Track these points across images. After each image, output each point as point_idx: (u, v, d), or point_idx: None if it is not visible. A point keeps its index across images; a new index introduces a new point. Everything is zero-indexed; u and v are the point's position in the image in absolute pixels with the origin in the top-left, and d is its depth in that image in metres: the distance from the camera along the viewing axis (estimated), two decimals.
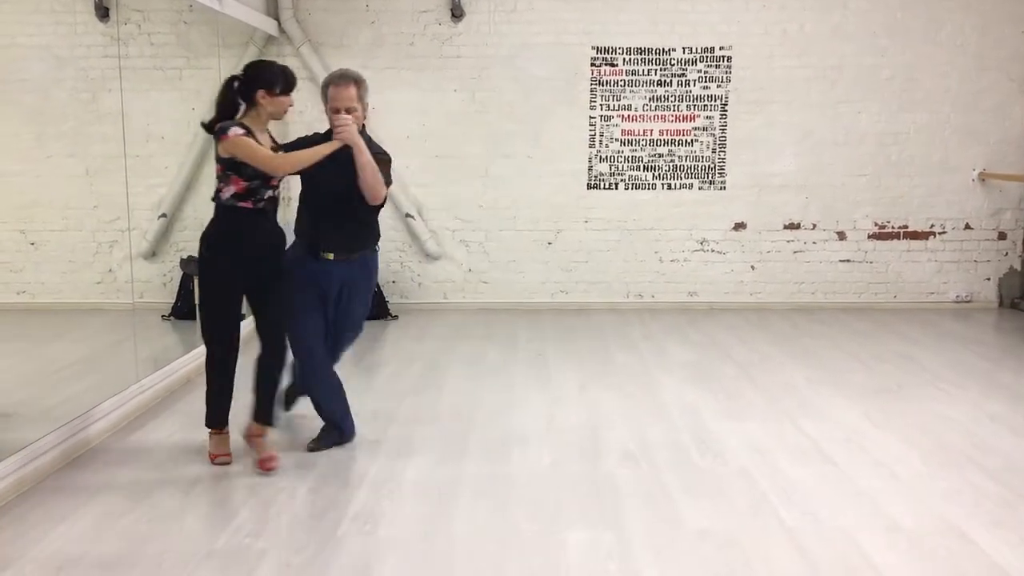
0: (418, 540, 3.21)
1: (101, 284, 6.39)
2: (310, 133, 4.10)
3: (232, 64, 6.91)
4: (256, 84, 3.79)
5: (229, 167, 3.75)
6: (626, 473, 3.86)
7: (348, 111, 3.84)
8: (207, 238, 3.88)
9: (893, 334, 6.63)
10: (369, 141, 3.93)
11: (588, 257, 7.58)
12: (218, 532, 3.27)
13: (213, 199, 3.87)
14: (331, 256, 4.00)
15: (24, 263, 6.14)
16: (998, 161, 7.50)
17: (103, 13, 6.10)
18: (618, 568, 3.00)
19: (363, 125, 3.98)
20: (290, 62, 7.29)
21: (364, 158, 3.77)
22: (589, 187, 7.50)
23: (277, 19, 7.14)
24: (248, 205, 3.80)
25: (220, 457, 3.99)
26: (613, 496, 3.61)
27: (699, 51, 7.31)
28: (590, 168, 7.47)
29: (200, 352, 5.54)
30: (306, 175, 3.94)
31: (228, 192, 3.78)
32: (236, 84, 3.82)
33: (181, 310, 6.64)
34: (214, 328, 3.95)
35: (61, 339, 5.97)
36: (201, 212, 6.93)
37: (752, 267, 7.61)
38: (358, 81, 3.92)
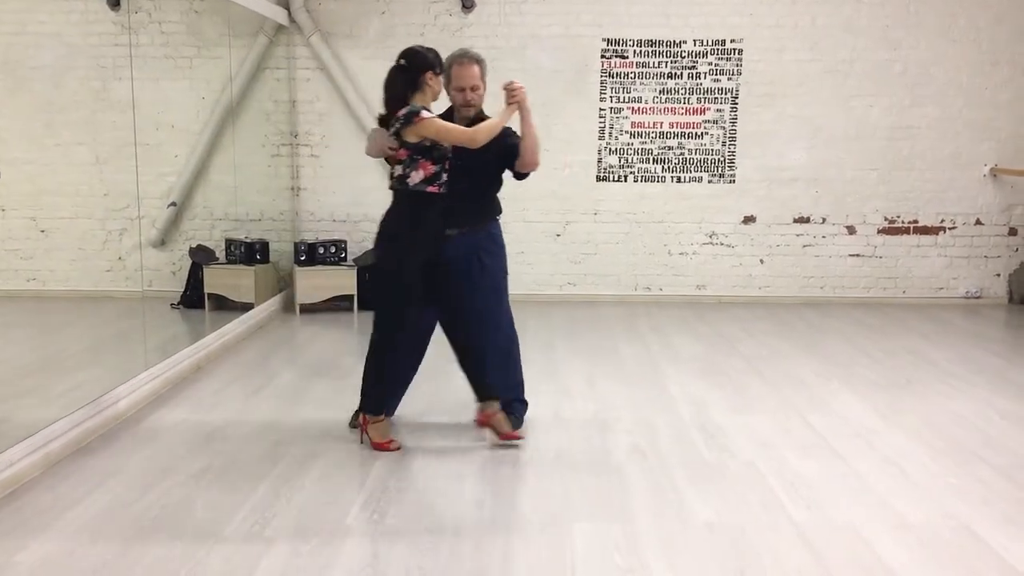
0: (425, 530, 3.22)
1: (111, 272, 6.42)
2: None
3: (242, 53, 6.91)
4: (423, 67, 3.80)
5: (418, 151, 3.76)
6: (633, 465, 3.86)
7: (473, 89, 3.95)
8: (391, 227, 3.86)
9: (902, 329, 6.61)
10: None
11: (597, 249, 7.57)
12: (227, 520, 3.28)
13: (395, 186, 3.86)
14: (455, 232, 4.02)
15: (34, 250, 6.17)
16: (1010, 156, 7.46)
17: (114, 2, 6.11)
18: (624, 560, 3.00)
19: (481, 107, 4.07)
20: (300, 52, 7.31)
21: (531, 127, 3.92)
22: (598, 179, 7.48)
23: (287, 8, 7.13)
24: (435, 190, 3.83)
25: (394, 442, 4.01)
26: (620, 488, 3.61)
27: (710, 44, 7.29)
28: (599, 160, 7.46)
29: (205, 343, 5.56)
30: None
31: (417, 177, 3.78)
32: (400, 72, 3.81)
33: (190, 299, 6.67)
34: (398, 321, 3.92)
35: (71, 327, 6.00)
36: (211, 201, 6.97)
37: (761, 261, 7.59)
38: (479, 61, 4.02)
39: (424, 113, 3.71)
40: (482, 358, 4.12)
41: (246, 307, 6.56)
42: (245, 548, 3.07)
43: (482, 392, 4.13)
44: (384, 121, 3.85)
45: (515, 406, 4.29)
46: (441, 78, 3.90)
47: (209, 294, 6.64)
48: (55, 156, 6.19)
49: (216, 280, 6.67)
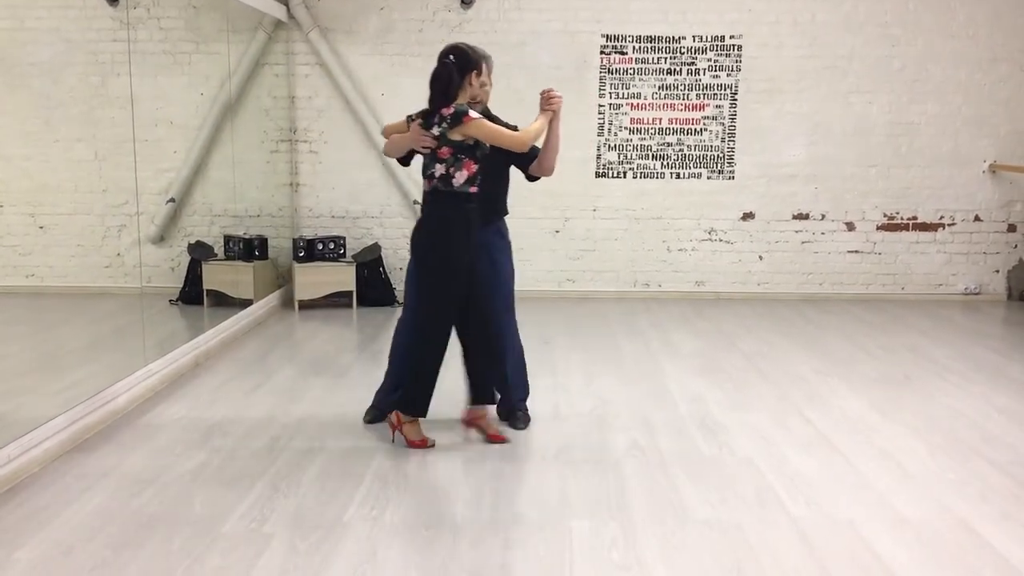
0: (423, 526, 3.22)
1: (109, 268, 6.42)
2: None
3: (241, 49, 6.90)
4: (470, 67, 3.81)
5: (462, 151, 3.76)
6: (631, 462, 3.86)
7: (480, 85, 3.95)
8: (440, 227, 3.85)
9: (901, 325, 6.62)
10: (499, 119, 4.00)
11: (595, 246, 7.57)
12: (226, 516, 3.29)
13: (438, 187, 3.82)
14: None
15: (33, 246, 6.16)
16: (1009, 153, 7.45)
17: None
18: (622, 557, 3.01)
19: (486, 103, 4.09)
20: (298, 48, 7.30)
21: (557, 136, 3.96)
22: (597, 175, 7.48)
23: (286, 4, 7.12)
24: (475, 190, 3.84)
25: (430, 440, 4.03)
26: (618, 485, 3.62)
27: (709, 40, 7.28)
28: (598, 156, 7.45)
29: (204, 340, 5.56)
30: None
31: (462, 177, 3.79)
32: (456, 70, 3.78)
33: (189, 295, 6.66)
34: (438, 322, 3.92)
35: (69, 323, 6.00)
36: (210, 197, 6.96)
37: (760, 257, 7.59)
38: (486, 58, 4.02)
39: (472, 113, 3.72)
40: (491, 359, 4.12)
41: (245, 303, 6.56)
42: (243, 544, 3.07)
43: (480, 394, 4.11)
44: (424, 117, 3.81)
45: (524, 405, 4.36)
46: (483, 79, 3.90)
47: (208, 290, 6.64)
48: (54, 152, 6.18)
49: (215, 276, 6.66)
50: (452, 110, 3.72)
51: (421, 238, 3.93)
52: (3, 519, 3.24)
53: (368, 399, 4.47)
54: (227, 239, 6.80)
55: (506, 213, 4.27)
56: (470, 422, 4.15)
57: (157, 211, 6.81)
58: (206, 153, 6.89)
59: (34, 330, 5.74)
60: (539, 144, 4.02)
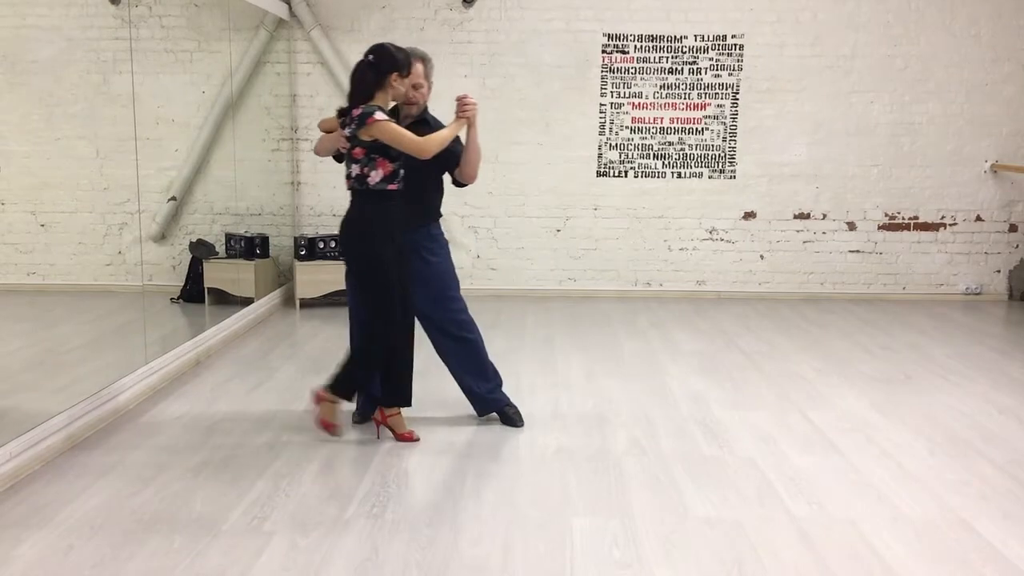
0: (424, 524, 3.22)
1: (110, 266, 6.41)
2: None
3: (243, 47, 6.91)
4: (390, 68, 3.78)
5: (375, 150, 3.77)
6: (632, 461, 3.86)
7: (415, 87, 3.96)
8: (363, 226, 3.86)
9: (902, 325, 6.61)
10: (435, 121, 4.07)
11: (596, 245, 7.57)
12: (227, 514, 3.29)
13: (355, 186, 3.85)
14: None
15: (34, 244, 6.16)
16: (1011, 153, 7.45)
17: None
18: (623, 555, 3.01)
19: (425, 105, 4.11)
20: (300, 46, 7.30)
21: (476, 142, 3.96)
22: (599, 175, 7.48)
23: (288, 2, 7.13)
24: (394, 187, 3.85)
25: (414, 433, 4.07)
26: (619, 483, 3.62)
27: (711, 39, 7.28)
28: (600, 155, 7.45)
29: (205, 338, 5.57)
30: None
31: (377, 176, 3.80)
32: (371, 69, 3.79)
33: (190, 293, 6.66)
34: (395, 313, 3.92)
35: (71, 321, 6.00)
36: (212, 195, 6.96)
37: (761, 256, 7.59)
38: (424, 59, 4.03)
39: (378, 115, 3.69)
40: (407, 361, 4.09)
41: (246, 302, 6.56)
42: (244, 542, 3.07)
43: (397, 395, 4.08)
44: (343, 114, 3.81)
45: (503, 396, 4.37)
46: (406, 80, 3.86)
47: (209, 288, 6.64)
48: (55, 150, 6.18)
49: (216, 275, 6.66)
50: (360, 111, 3.72)
51: (345, 238, 3.93)
52: (4, 516, 3.25)
53: None
54: (228, 237, 6.81)
55: (439, 217, 4.26)
56: (381, 421, 4.11)
57: (158, 209, 6.82)
58: (207, 151, 6.89)
59: (35, 328, 5.74)
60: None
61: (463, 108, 3.90)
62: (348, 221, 3.91)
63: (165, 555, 2.97)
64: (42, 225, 6.20)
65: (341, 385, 3.98)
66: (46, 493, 3.45)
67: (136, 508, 3.33)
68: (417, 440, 4.06)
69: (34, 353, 5.28)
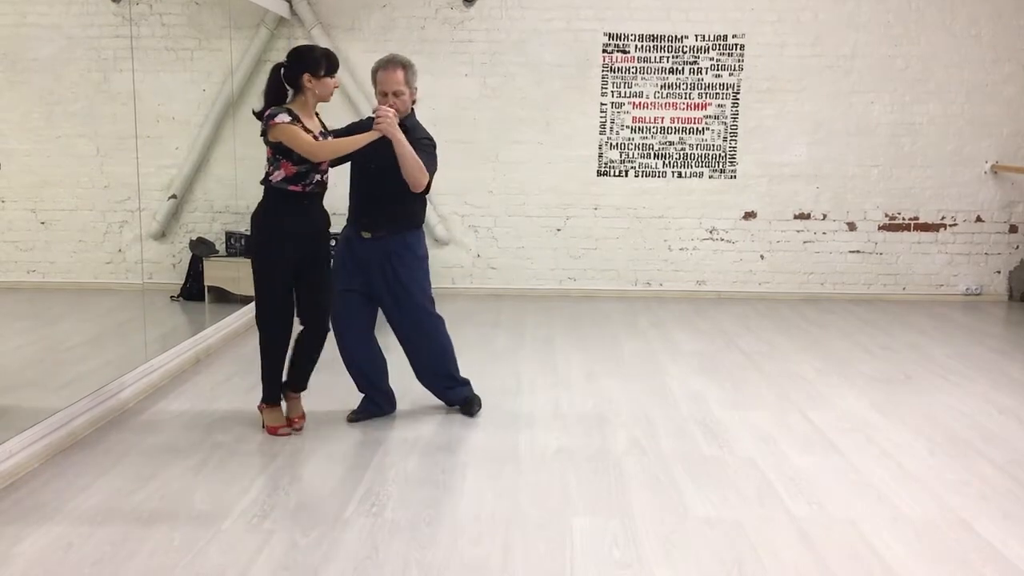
0: (424, 523, 3.23)
1: (111, 264, 6.42)
2: (362, 119, 4.17)
3: (243, 45, 6.91)
4: (301, 68, 3.85)
5: (279, 151, 3.84)
6: (632, 460, 3.87)
7: (396, 94, 3.95)
8: (256, 220, 3.99)
9: (902, 325, 6.61)
10: (416, 126, 4.06)
11: (597, 244, 7.57)
12: (227, 512, 3.29)
13: (262, 182, 3.96)
14: (368, 235, 4.15)
15: (34, 242, 6.16)
16: (1011, 154, 7.45)
17: None
18: (623, 555, 3.01)
19: (412, 109, 4.10)
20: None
21: (403, 149, 3.86)
22: (599, 174, 7.48)
23: (289, 1, 7.12)
24: (297, 189, 3.91)
25: (282, 428, 4.12)
26: (619, 483, 3.62)
27: (711, 39, 7.27)
28: (600, 155, 7.45)
29: (205, 336, 5.57)
30: (354, 156, 3.99)
31: (279, 176, 3.88)
32: (282, 70, 3.89)
33: (190, 291, 6.67)
34: (267, 310, 4.04)
35: (71, 319, 6.00)
36: (212, 193, 6.96)
37: (761, 256, 7.59)
38: (405, 65, 4.02)
39: (279, 117, 3.76)
40: (279, 358, 4.14)
41: (246, 300, 6.55)
42: (244, 540, 3.07)
43: (295, 384, 4.19)
44: (258, 116, 3.91)
45: (462, 393, 4.45)
46: (330, 81, 3.91)
47: (209, 286, 6.64)
48: (55, 148, 6.18)
49: (216, 273, 6.67)
50: (267, 113, 3.82)
51: (251, 232, 4.05)
52: (4, 514, 3.25)
53: None
54: (228, 235, 6.80)
55: (416, 226, 4.26)
56: (262, 409, 4.19)
57: (159, 207, 6.82)
58: (208, 149, 6.90)
59: (35, 325, 5.74)
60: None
61: (376, 120, 3.86)
62: (254, 216, 4.02)
63: (165, 553, 2.97)
64: (42, 223, 6.20)
65: (296, 382, 4.20)
66: (46, 491, 3.45)
67: (136, 506, 3.33)
68: (287, 435, 4.10)
69: (34, 351, 5.29)
